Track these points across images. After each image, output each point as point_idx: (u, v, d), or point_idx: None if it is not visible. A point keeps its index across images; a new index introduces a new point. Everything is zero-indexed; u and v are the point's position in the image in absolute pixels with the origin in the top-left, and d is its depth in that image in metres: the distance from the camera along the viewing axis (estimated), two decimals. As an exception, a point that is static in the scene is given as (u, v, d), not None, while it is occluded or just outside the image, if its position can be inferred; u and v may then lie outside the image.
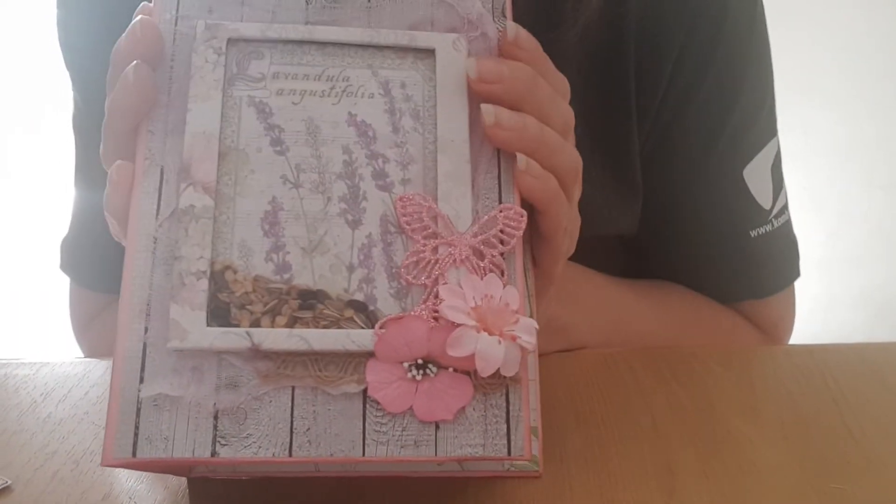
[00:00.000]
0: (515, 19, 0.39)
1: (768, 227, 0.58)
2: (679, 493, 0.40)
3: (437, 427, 0.34)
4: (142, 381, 0.33)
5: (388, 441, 0.34)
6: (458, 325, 0.34)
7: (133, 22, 0.36)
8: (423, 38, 0.39)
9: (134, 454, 0.33)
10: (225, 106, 0.37)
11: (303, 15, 0.39)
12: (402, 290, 0.35)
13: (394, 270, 0.36)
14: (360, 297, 0.35)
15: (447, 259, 0.36)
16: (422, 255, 0.36)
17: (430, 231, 0.36)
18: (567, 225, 0.40)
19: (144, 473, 0.41)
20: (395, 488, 0.39)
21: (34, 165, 1.88)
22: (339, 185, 0.37)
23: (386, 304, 0.35)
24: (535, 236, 0.40)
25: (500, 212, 0.37)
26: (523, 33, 0.38)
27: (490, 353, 0.34)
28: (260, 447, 0.33)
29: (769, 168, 0.57)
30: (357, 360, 0.34)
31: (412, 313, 0.35)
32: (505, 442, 0.34)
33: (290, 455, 0.33)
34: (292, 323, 0.34)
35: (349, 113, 0.38)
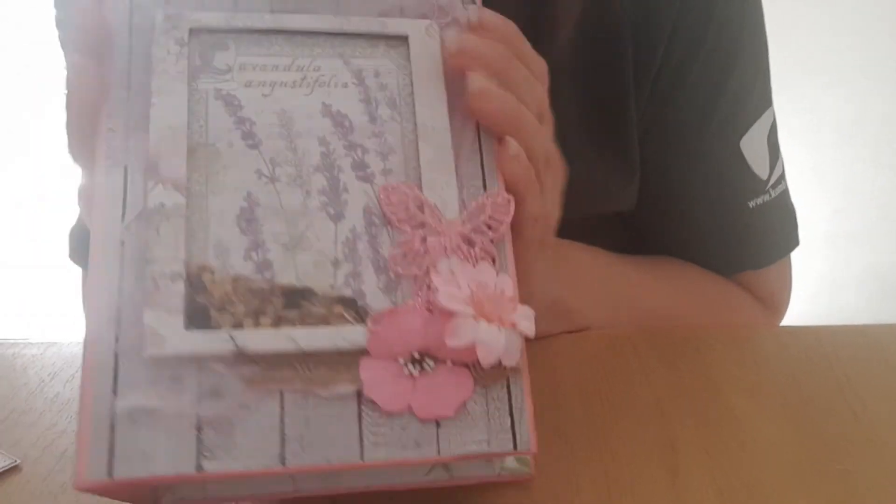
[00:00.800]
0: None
1: (766, 198, 0.58)
2: (682, 472, 0.39)
3: (438, 425, 0.32)
4: (115, 393, 0.30)
5: (387, 443, 0.32)
6: (455, 314, 0.32)
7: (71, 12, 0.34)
8: (395, 25, 0.37)
9: (110, 474, 0.29)
10: (191, 100, 0.35)
11: (267, 3, 0.37)
12: (391, 283, 0.34)
13: (381, 263, 0.34)
14: (347, 292, 0.33)
15: (437, 248, 0.34)
16: (410, 245, 0.34)
17: (417, 221, 0.34)
18: (538, 213, 0.39)
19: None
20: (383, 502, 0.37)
21: (40, 150, 1.83)
22: (317, 177, 0.35)
23: (375, 299, 0.33)
24: None
25: (488, 198, 0.35)
26: (488, 14, 0.37)
27: (491, 341, 0.32)
28: (250, 458, 0.31)
29: (765, 138, 0.57)
30: (349, 358, 0.32)
31: (405, 306, 0.33)
32: (510, 436, 0.33)
33: (284, 464, 0.31)
34: (278, 323, 0.32)
35: (323, 103, 0.36)
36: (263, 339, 0.32)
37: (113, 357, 0.31)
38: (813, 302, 1.72)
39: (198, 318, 0.32)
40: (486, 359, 0.32)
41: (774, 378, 0.46)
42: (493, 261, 0.34)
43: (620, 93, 0.54)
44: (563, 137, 0.40)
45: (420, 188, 0.35)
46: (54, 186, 1.60)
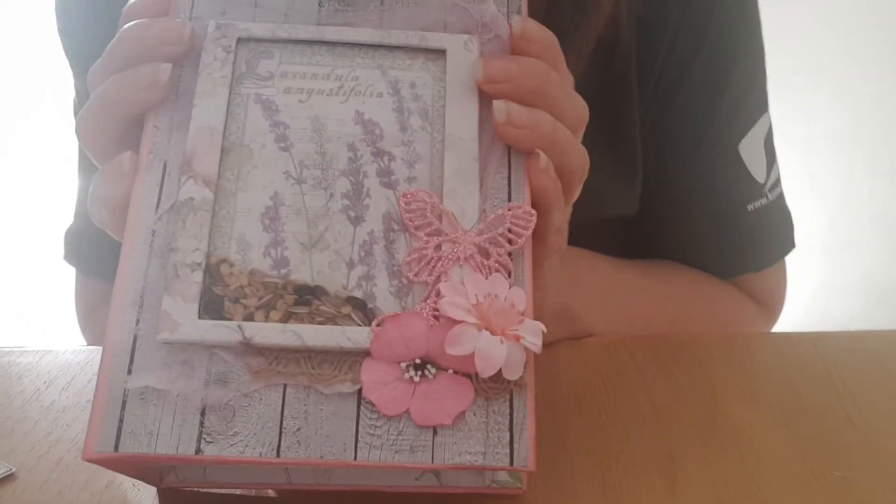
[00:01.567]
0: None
1: (763, 201, 0.58)
2: (680, 479, 0.39)
3: (435, 432, 0.32)
4: (129, 372, 0.32)
5: (381, 445, 0.32)
6: (458, 322, 0.32)
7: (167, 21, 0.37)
8: (434, 39, 0.38)
9: (116, 448, 0.31)
10: (231, 103, 0.36)
11: (315, 17, 0.39)
12: (403, 288, 0.34)
13: (395, 268, 0.34)
14: (358, 294, 0.34)
15: (451, 256, 0.34)
16: (424, 251, 0.34)
17: (433, 228, 0.34)
18: (562, 224, 0.39)
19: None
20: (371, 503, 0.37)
21: (35, 152, 1.89)
22: (342, 181, 0.36)
23: (385, 303, 0.34)
24: None
25: (509, 210, 0.35)
26: (532, 26, 0.37)
27: (490, 352, 0.32)
28: (247, 446, 0.32)
29: (762, 142, 0.58)
30: (352, 358, 0.33)
31: (411, 311, 0.33)
32: (507, 451, 0.32)
33: (278, 456, 0.32)
34: (287, 318, 0.33)
35: (356, 111, 0.37)
36: (270, 332, 0.33)
37: (132, 338, 0.33)
38: (809, 309, 1.69)
39: (212, 307, 0.33)
40: (484, 370, 0.32)
41: (772, 385, 0.46)
42: (509, 273, 0.34)
43: (623, 96, 0.54)
44: None
45: (441, 197, 0.35)
46: (48, 191, 1.61)
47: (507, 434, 0.32)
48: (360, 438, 0.32)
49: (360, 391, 0.32)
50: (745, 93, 0.57)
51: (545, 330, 0.33)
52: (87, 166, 0.62)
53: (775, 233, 0.61)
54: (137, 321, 0.33)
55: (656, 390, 0.45)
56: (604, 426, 0.43)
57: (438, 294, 0.33)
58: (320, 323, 0.33)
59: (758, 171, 0.58)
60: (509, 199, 0.36)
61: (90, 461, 0.31)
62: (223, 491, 0.38)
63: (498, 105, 0.36)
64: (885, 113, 1.81)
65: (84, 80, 0.59)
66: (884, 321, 1.72)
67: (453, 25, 0.39)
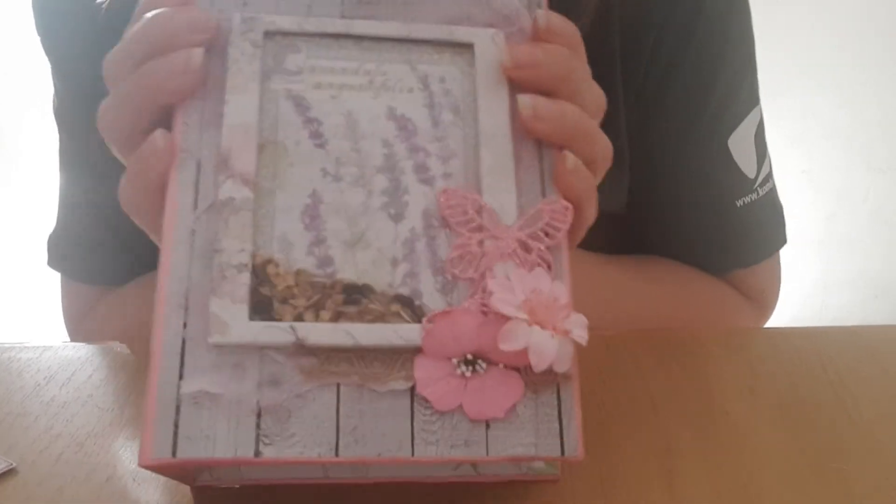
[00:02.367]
0: None
1: (753, 196, 0.58)
2: (679, 474, 0.40)
3: (488, 426, 0.33)
4: (181, 377, 0.32)
5: (437, 441, 0.32)
6: (509, 318, 0.33)
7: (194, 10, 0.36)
8: (461, 33, 0.38)
9: (174, 454, 0.31)
10: (262, 99, 0.36)
11: (338, 9, 0.38)
12: (448, 284, 0.34)
13: (438, 265, 0.35)
14: (405, 291, 0.34)
15: (494, 252, 0.35)
16: (467, 248, 0.35)
17: (474, 224, 0.35)
18: (592, 217, 0.39)
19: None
20: (404, 494, 0.38)
21: (31, 152, 1.86)
22: (379, 178, 0.36)
23: (432, 299, 0.34)
24: None
25: (546, 205, 0.36)
26: (556, 19, 0.37)
27: (544, 347, 0.33)
28: (305, 446, 0.32)
29: (752, 137, 0.57)
30: (404, 356, 0.33)
31: (461, 307, 0.34)
32: (558, 441, 0.33)
33: (337, 455, 0.32)
34: (337, 317, 0.33)
35: (388, 107, 0.37)
36: (322, 332, 0.33)
37: (181, 342, 0.32)
38: (805, 304, 1.74)
39: (261, 308, 0.33)
40: (538, 364, 0.33)
41: (769, 379, 0.47)
42: (549, 267, 0.35)
43: (608, 92, 0.54)
44: None
45: (479, 193, 0.36)
46: (45, 190, 1.63)
47: (557, 424, 0.33)
48: (415, 434, 0.32)
49: (413, 388, 0.33)
50: (735, 88, 0.56)
51: (588, 322, 0.34)
52: (68, 166, 0.59)
53: (765, 228, 0.61)
54: (185, 325, 0.32)
55: (654, 386, 0.46)
56: (602, 421, 0.43)
57: (486, 290, 0.34)
58: (370, 321, 0.33)
59: (748, 166, 0.57)
60: (543, 194, 0.36)
61: (146, 467, 0.31)
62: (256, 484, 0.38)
63: (522, 99, 0.36)
64: (882, 110, 1.83)
65: (64, 79, 0.57)
66: (880, 317, 1.75)
67: (476, 19, 0.39)
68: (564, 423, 0.33)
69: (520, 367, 0.33)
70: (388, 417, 0.32)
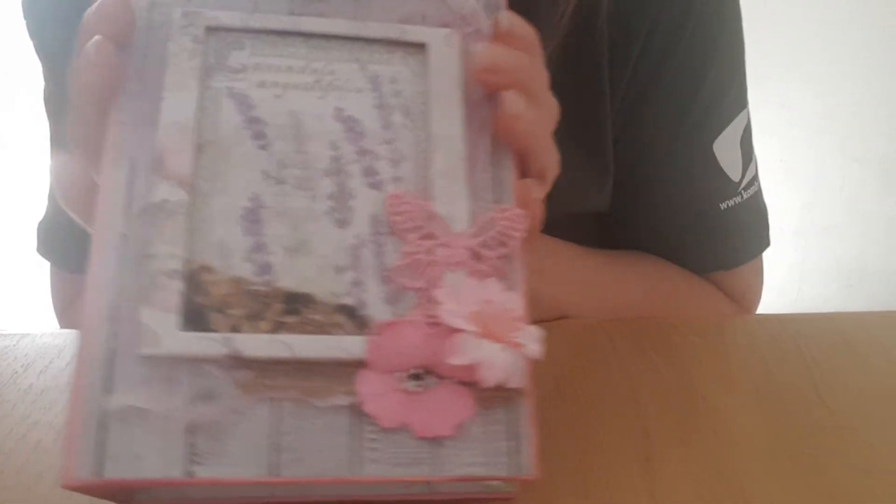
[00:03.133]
0: None
1: (738, 199, 0.58)
2: (655, 458, 0.40)
3: (435, 444, 0.31)
4: (108, 391, 0.30)
5: (381, 459, 0.31)
6: (458, 331, 0.31)
7: None
8: (414, 32, 0.37)
9: (100, 474, 0.29)
10: (202, 97, 0.34)
11: (287, 6, 0.36)
12: (395, 294, 0.33)
13: (384, 273, 0.33)
14: (349, 301, 0.32)
15: (444, 261, 0.33)
16: (415, 256, 0.33)
17: (423, 232, 0.33)
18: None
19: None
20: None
21: (20, 139, 1.83)
22: (325, 182, 0.34)
23: (377, 310, 0.32)
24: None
25: (499, 213, 0.34)
26: (518, 22, 0.36)
27: (494, 361, 0.31)
28: (240, 466, 0.30)
29: (738, 141, 0.58)
30: (347, 369, 0.31)
31: (407, 318, 0.32)
32: (509, 461, 0.32)
33: (275, 475, 0.30)
34: (276, 328, 0.31)
35: (335, 107, 0.35)
36: (259, 344, 0.31)
37: (108, 353, 0.30)
38: (782, 292, 1.76)
39: (195, 318, 0.31)
40: (488, 379, 0.31)
41: (746, 366, 0.48)
42: (502, 277, 0.33)
43: (594, 92, 0.53)
44: None
45: (429, 198, 0.34)
46: (27, 178, 1.59)
47: (509, 443, 0.32)
48: (358, 453, 0.31)
49: (354, 404, 0.31)
50: (722, 92, 0.56)
51: (544, 334, 0.33)
52: (57, 151, 0.58)
53: (748, 231, 0.61)
54: (113, 335, 0.30)
55: (633, 372, 0.46)
56: (581, 408, 0.43)
57: (434, 300, 0.32)
58: (311, 332, 0.31)
59: (733, 169, 0.57)
60: (497, 200, 0.35)
61: (70, 488, 0.29)
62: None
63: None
64: (858, 100, 1.85)
65: (52, 68, 0.56)
66: (855, 304, 1.76)
67: (431, 18, 0.37)
68: (516, 441, 0.32)
69: (470, 381, 0.32)
70: (329, 434, 0.31)
